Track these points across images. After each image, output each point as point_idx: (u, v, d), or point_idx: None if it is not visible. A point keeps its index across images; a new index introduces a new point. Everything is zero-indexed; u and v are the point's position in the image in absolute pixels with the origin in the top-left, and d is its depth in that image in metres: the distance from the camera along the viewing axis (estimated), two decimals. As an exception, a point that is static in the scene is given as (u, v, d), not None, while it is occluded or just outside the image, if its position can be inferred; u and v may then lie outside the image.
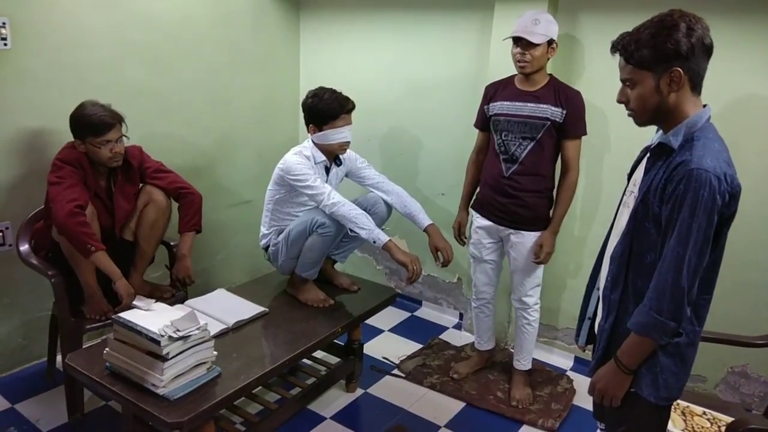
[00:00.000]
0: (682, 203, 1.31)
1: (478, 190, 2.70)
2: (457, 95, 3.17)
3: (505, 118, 2.47)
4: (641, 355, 1.42)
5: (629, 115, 1.48)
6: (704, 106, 1.42)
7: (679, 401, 1.95)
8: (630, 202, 1.51)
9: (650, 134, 2.53)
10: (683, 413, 1.90)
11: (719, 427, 1.85)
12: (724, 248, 1.43)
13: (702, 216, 1.29)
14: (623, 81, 1.44)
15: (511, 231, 2.55)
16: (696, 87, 1.39)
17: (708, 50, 1.36)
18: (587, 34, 2.73)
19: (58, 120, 2.46)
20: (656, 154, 1.46)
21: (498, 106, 2.49)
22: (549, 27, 2.34)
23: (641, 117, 1.45)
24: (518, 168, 2.47)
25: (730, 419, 1.81)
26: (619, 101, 1.47)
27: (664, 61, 1.34)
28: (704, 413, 1.91)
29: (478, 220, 2.66)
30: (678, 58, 1.33)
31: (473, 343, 2.95)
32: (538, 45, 2.32)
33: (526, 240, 2.53)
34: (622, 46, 1.40)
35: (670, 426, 1.82)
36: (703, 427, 1.85)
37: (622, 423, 1.57)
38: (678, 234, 1.32)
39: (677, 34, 1.32)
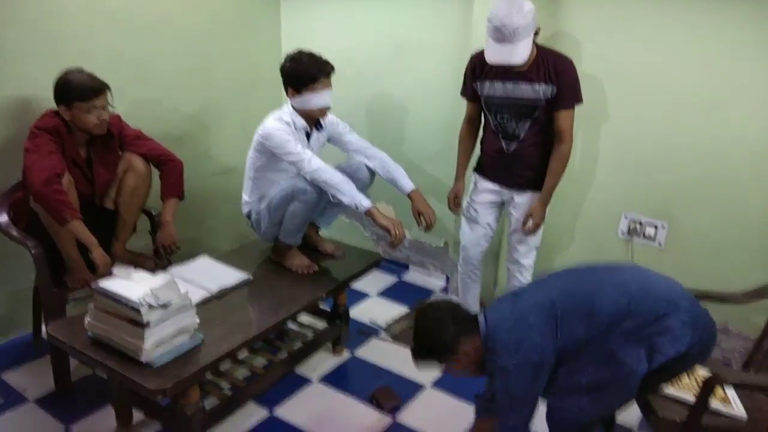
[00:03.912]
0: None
1: (480, 156, 2.66)
2: (444, 59, 3.11)
3: (499, 101, 2.42)
4: None
5: None
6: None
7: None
8: None
9: (647, 101, 2.50)
10: (662, 369, 1.93)
11: (698, 381, 1.87)
12: None
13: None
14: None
15: (515, 192, 2.54)
16: None
17: None
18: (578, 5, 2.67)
19: (35, 90, 2.40)
20: None
21: (488, 87, 2.42)
22: (529, 28, 2.17)
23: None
24: (519, 144, 2.45)
25: (708, 374, 1.84)
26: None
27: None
28: (683, 369, 1.94)
29: (482, 183, 2.62)
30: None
31: (459, 306, 2.96)
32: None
33: (530, 200, 2.52)
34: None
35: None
36: (682, 382, 1.87)
37: None
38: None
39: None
